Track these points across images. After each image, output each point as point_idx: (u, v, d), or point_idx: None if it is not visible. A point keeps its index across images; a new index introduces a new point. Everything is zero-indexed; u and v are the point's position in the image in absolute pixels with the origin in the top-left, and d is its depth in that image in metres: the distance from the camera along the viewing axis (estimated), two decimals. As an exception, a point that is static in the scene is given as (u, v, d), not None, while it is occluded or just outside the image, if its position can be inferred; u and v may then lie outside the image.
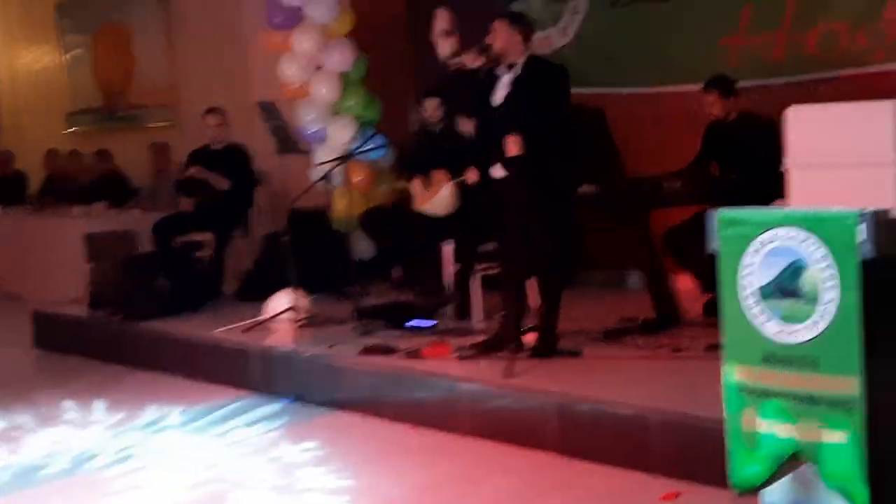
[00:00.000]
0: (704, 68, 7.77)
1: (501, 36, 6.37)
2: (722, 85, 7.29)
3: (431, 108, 8.52)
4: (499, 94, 6.46)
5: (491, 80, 6.51)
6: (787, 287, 3.92)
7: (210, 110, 9.54)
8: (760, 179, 6.58)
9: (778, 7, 7.80)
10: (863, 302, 3.72)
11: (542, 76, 6.39)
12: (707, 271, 7.20)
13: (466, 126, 8.04)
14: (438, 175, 8.10)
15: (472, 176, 7.72)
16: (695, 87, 8.03)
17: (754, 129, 7.14)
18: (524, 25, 6.50)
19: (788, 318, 3.91)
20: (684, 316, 7.10)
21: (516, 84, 6.36)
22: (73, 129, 14.66)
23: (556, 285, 6.56)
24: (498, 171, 6.51)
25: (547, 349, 6.44)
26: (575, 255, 7.65)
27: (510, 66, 6.41)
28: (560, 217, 6.48)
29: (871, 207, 3.82)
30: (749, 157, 7.00)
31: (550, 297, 6.51)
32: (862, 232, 3.74)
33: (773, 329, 3.95)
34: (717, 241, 4.12)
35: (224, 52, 12.01)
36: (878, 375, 3.75)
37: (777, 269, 3.94)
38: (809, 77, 7.71)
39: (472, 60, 6.42)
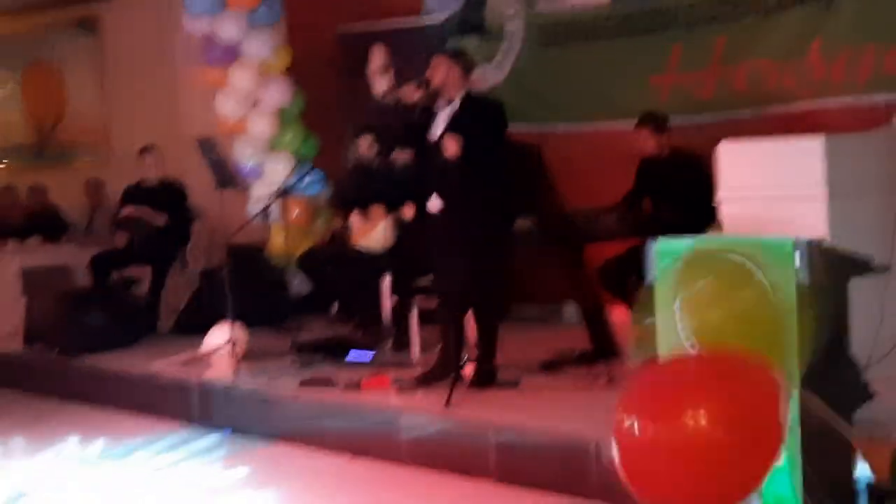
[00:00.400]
0: (636, 106, 7.92)
1: (441, 71, 6.48)
2: (654, 121, 7.44)
3: (366, 145, 8.61)
4: (436, 130, 6.57)
5: (428, 116, 6.61)
6: (723, 314, 4.04)
7: (146, 149, 9.55)
8: (693, 214, 6.74)
9: (707, 46, 7.98)
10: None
11: (479, 112, 6.51)
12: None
13: (403, 156, 8.13)
14: (376, 210, 8.18)
15: (408, 211, 7.82)
16: (627, 125, 8.20)
17: (687, 165, 7.30)
18: (464, 62, 6.63)
19: (725, 345, 4.02)
20: (620, 348, 7.21)
21: (454, 120, 6.46)
22: (3, 165, 14.52)
23: (492, 317, 6.65)
24: (435, 205, 6.60)
25: (485, 380, 6.52)
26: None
27: (448, 102, 6.51)
28: (498, 250, 6.58)
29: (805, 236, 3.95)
30: (682, 193, 7.15)
31: (487, 329, 6.60)
32: (797, 259, 3.87)
33: (710, 355, 4.06)
34: (655, 271, 4.24)
35: (157, 89, 12.01)
36: (814, 396, 3.89)
37: (714, 297, 4.05)
38: (738, 114, 7.88)
39: (410, 94, 6.51)
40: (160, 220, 9.27)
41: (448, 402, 6.08)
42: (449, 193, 6.43)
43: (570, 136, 8.88)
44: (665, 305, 4.17)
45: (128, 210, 9.36)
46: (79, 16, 13.17)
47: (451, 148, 6.28)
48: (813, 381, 3.90)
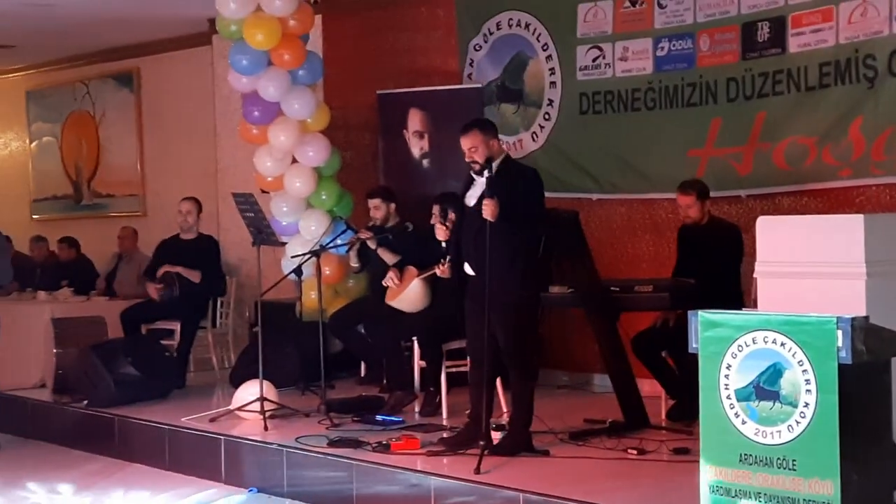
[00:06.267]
0: (673, 178, 7.93)
1: (480, 148, 6.49)
2: (699, 188, 7.45)
3: (373, 206, 8.76)
4: (473, 195, 6.58)
5: (468, 182, 6.65)
6: (765, 389, 4.02)
7: (186, 198, 9.69)
8: (727, 284, 6.74)
9: (746, 121, 7.97)
10: (840, 406, 3.82)
11: (515, 177, 6.51)
12: (673, 377, 7.35)
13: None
14: (409, 271, 8.19)
15: (442, 269, 7.80)
16: (663, 196, 8.23)
17: (725, 233, 7.31)
18: (492, 128, 6.66)
19: (766, 420, 4.00)
20: (650, 420, 7.17)
21: (491, 185, 6.45)
22: (39, 215, 14.67)
23: (528, 382, 6.62)
24: (470, 269, 6.61)
25: (520, 447, 6.48)
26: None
27: (484, 169, 6.49)
28: (532, 315, 6.57)
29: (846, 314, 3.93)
30: (720, 261, 7.14)
31: (522, 394, 6.57)
32: (840, 337, 3.85)
33: (751, 430, 4.03)
34: (697, 342, 4.22)
35: (195, 143, 12.15)
36: (855, 478, 3.84)
37: (756, 372, 4.04)
38: (775, 190, 7.88)
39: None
40: (196, 276, 9.35)
41: (478, 468, 6.04)
42: (484, 258, 6.41)
43: (605, 205, 8.89)
44: (708, 375, 4.15)
45: (163, 270, 9.42)
46: (118, 69, 13.37)
47: (489, 211, 6.28)
48: (853, 463, 3.86)
